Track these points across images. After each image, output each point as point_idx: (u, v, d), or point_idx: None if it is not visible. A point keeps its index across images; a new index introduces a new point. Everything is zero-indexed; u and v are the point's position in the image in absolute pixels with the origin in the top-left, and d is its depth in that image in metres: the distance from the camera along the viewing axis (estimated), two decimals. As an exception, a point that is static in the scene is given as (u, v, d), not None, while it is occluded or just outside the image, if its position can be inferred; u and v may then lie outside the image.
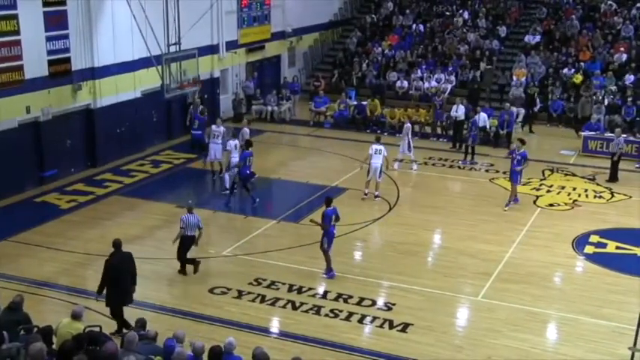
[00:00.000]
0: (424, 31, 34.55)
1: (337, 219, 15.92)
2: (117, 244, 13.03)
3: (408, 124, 23.79)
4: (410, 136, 23.43)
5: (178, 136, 25.92)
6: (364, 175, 20.58)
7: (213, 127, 21.89)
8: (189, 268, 15.66)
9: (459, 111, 25.71)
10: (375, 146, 20.36)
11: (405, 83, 31.05)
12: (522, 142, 20.39)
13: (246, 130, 22.45)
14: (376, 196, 20.41)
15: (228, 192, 20.22)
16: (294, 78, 32.14)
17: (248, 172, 19.58)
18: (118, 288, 12.93)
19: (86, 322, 10.82)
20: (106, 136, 23.25)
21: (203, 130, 23.07)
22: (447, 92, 29.75)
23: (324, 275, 15.68)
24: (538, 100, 28.60)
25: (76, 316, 10.68)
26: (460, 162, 24.10)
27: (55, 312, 13.41)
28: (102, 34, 22.58)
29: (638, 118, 26.58)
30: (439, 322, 13.90)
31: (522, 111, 28.57)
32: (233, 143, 20.62)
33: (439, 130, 27.53)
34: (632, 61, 29.79)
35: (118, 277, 12.91)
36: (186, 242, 15.51)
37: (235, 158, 20.19)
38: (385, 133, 26.89)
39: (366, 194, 20.45)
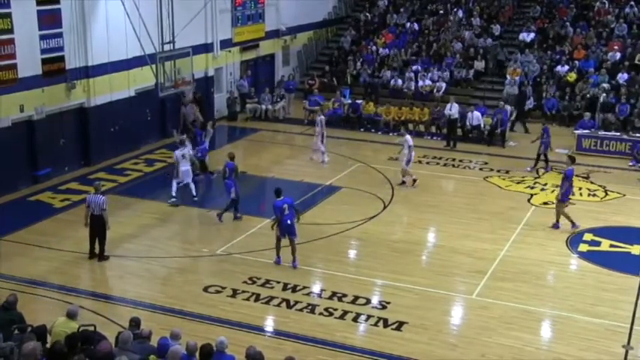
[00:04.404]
0: (418, 29, 34.59)
1: (295, 210, 16.12)
2: None
3: (322, 117, 23.78)
4: (323, 128, 23.32)
5: (173, 135, 25.82)
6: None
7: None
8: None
9: (452, 109, 25.75)
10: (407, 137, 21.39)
11: (400, 81, 31.09)
12: (572, 159, 19.08)
13: (210, 130, 23.06)
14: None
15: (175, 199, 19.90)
16: (290, 76, 32.10)
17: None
18: None
19: (81, 321, 10.79)
20: (100, 135, 23.20)
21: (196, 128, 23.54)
22: (442, 91, 29.91)
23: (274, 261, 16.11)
24: (532, 99, 28.64)
25: (71, 315, 10.65)
26: (528, 168, 23.26)
27: (49, 311, 13.39)
28: (96, 33, 22.52)
29: (631, 117, 26.66)
30: (433, 320, 13.92)
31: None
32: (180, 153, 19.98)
33: (433, 129, 27.56)
34: (625, 60, 29.87)
35: None
36: (93, 222, 16.04)
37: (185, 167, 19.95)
38: (379, 132, 27.06)
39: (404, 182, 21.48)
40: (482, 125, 26.03)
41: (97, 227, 16.13)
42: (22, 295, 12.36)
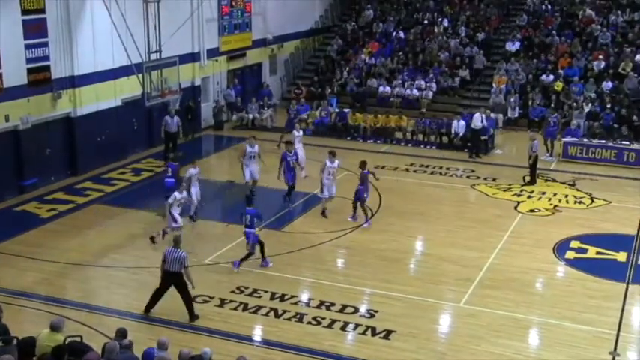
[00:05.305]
0: (405, 38, 34.73)
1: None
2: None
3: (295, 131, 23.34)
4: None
5: (159, 144, 25.78)
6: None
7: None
8: None
9: (477, 121, 25.52)
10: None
11: (388, 89, 31.24)
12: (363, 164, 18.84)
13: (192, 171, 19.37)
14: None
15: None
16: (265, 85, 32.03)
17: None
18: None
19: (67, 332, 10.69)
20: (87, 145, 23.10)
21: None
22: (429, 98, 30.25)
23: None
24: (517, 107, 28.81)
25: (55, 328, 10.47)
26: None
27: (34, 322, 13.25)
28: (82, 42, 22.46)
29: (615, 125, 26.86)
30: (422, 328, 13.91)
31: (501, 117, 28.86)
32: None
33: (421, 137, 27.68)
34: (610, 68, 30.09)
35: None
36: (167, 279, 14.18)
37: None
38: (369, 141, 27.09)
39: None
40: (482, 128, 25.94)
41: (176, 285, 13.96)
42: (7, 306, 12.25)
